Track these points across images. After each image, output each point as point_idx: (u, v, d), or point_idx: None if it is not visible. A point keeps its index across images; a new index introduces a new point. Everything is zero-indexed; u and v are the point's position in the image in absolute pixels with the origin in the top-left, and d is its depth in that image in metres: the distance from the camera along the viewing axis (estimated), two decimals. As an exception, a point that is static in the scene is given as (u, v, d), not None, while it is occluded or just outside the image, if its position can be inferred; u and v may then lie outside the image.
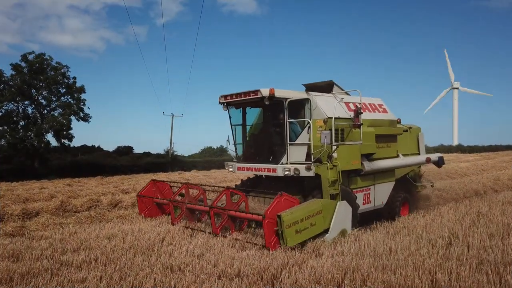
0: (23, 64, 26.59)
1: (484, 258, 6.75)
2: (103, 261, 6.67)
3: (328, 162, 8.84)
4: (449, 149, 54.47)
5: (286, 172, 9.09)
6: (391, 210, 11.07)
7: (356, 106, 9.56)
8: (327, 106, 9.49)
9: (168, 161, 36.41)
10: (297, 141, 9.39)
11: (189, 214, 9.71)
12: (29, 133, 26.87)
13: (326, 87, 10.61)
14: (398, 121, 12.38)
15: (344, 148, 9.26)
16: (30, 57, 26.73)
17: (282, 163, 9.35)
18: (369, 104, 11.16)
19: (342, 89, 10.71)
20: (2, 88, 26.36)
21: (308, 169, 8.90)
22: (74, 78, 28.31)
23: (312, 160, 8.95)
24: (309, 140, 9.15)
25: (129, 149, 51.03)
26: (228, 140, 10.56)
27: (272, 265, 6.41)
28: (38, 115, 27.95)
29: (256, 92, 8.98)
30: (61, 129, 26.62)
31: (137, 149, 46.07)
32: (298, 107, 9.59)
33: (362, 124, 9.45)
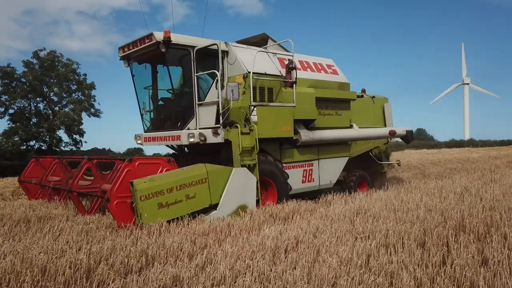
0: (34, 61, 27.06)
1: (497, 206, 6.70)
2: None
3: (245, 125, 7.38)
4: (461, 144, 53.73)
5: (191, 139, 7.31)
6: (343, 190, 9.19)
7: (288, 60, 8.09)
8: (250, 59, 7.71)
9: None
10: (206, 100, 7.68)
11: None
12: (41, 129, 27.28)
13: (260, 42, 9.07)
14: (363, 91, 11.07)
15: (267, 110, 7.71)
16: (41, 54, 27.21)
17: (188, 129, 7.66)
18: (314, 63, 9.45)
19: (275, 41, 9.03)
20: (15, 85, 26.83)
21: (216, 134, 7.22)
22: (85, 74, 28.72)
23: (221, 122, 7.35)
24: (218, 98, 7.38)
25: (138, 150, 51.69)
26: (143, 108, 8.76)
27: (284, 210, 6.48)
28: (50, 111, 28.38)
29: (150, 37, 7.39)
30: (72, 124, 26.97)
31: (148, 151, 46.57)
32: (212, 59, 7.77)
33: (295, 82, 8.03)
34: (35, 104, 28.12)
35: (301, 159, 8.63)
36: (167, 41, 7.18)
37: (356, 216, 5.91)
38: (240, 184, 6.81)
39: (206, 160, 6.72)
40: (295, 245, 4.46)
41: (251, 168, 7.12)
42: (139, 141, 8.66)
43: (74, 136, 28.40)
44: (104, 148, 44.13)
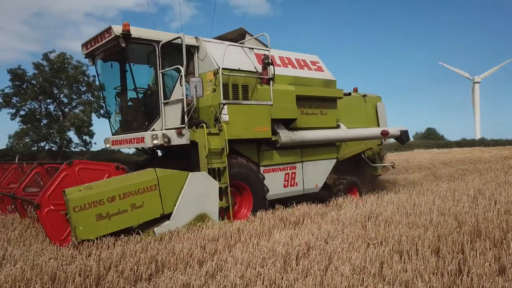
0: (45, 63, 27.30)
1: (512, 209, 6.56)
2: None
3: (215, 125, 6.91)
4: (472, 143, 53.17)
5: (155, 141, 6.79)
6: (330, 195, 8.76)
7: (264, 55, 7.66)
8: (222, 55, 7.26)
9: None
10: (171, 98, 7.06)
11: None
12: (52, 130, 27.52)
13: (237, 38, 8.57)
14: (354, 90, 10.49)
15: (240, 108, 7.18)
16: (51, 56, 27.44)
17: (154, 130, 7.16)
18: (296, 59, 8.84)
19: (252, 35, 8.47)
20: (25, 87, 27.11)
21: (180, 134, 6.61)
22: (94, 76, 28.94)
23: (186, 121, 6.71)
24: (183, 95, 6.76)
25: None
26: (115, 110, 8.21)
27: (294, 213, 6.41)
28: (60, 113, 28.65)
29: (109, 31, 6.80)
30: (82, 125, 27.16)
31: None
32: (180, 54, 6.99)
33: (272, 79, 7.56)
34: (45, 105, 28.43)
35: (282, 162, 8.03)
36: (126, 34, 6.63)
37: (368, 221, 5.81)
38: (199, 191, 6.15)
39: (178, 164, 6.23)
40: (306, 251, 4.39)
41: (220, 172, 6.63)
42: (107, 145, 8.24)
43: (84, 137, 28.61)
44: (114, 149, 44.49)
